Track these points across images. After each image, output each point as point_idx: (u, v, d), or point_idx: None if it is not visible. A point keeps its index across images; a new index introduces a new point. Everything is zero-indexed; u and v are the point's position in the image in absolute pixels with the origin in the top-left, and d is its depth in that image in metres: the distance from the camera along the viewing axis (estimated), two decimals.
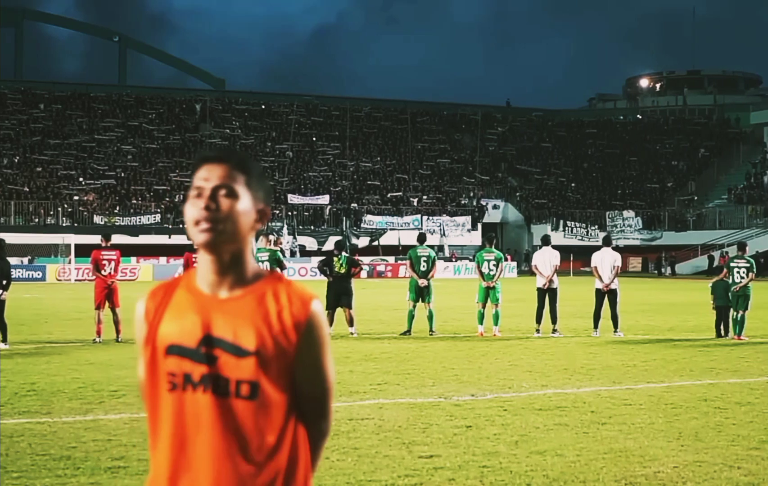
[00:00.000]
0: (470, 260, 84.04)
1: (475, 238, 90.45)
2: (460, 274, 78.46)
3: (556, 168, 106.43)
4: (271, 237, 27.59)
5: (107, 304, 23.81)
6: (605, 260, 26.55)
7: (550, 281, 26.16)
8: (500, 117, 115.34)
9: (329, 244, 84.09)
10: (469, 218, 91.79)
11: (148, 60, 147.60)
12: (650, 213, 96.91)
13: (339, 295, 25.88)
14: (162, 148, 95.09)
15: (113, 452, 10.75)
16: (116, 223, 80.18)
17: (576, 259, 79.49)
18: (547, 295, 26.23)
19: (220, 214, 3.41)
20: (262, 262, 25.55)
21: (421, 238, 28.13)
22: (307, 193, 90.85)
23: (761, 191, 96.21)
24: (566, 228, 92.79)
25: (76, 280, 65.39)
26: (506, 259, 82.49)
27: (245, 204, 3.47)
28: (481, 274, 26.31)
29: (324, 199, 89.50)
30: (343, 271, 26.09)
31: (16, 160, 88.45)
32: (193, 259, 25.11)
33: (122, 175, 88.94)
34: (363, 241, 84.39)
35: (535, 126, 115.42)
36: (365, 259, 78.23)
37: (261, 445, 3.39)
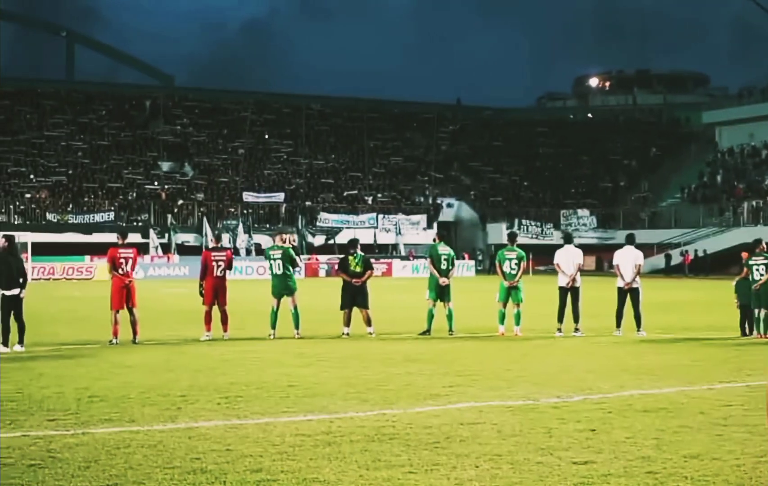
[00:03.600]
0: (425, 258, 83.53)
1: (431, 236, 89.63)
2: (419, 272, 77.89)
3: (508, 167, 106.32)
4: (285, 236, 26.96)
5: (125, 305, 22.92)
6: (627, 258, 26.09)
7: (573, 280, 25.68)
8: (451, 115, 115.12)
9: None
10: (424, 217, 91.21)
11: (87, 54, 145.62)
12: (604, 212, 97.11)
13: (354, 295, 25.18)
14: (113, 144, 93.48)
15: (246, 464, 10.00)
16: (69, 221, 78.71)
17: (532, 258, 79.17)
18: (570, 294, 25.74)
19: None
20: (275, 259, 24.88)
21: (441, 236, 27.57)
22: (261, 191, 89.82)
23: (715, 190, 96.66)
24: (521, 227, 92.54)
25: (33, 280, 63.86)
26: (460, 257, 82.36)
27: None
28: (503, 273, 25.74)
29: (279, 197, 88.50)
30: (358, 269, 25.39)
31: None
32: (212, 259, 24.36)
33: (73, 172, 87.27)
34: (319, 240, 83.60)
35: (486, 125, 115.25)
36: (322, 258, 77.47)
37: None
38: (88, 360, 19.45)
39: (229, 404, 13.82)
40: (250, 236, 79.12)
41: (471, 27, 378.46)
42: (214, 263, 24.29)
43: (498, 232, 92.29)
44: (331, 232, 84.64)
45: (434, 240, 27.36)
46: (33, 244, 65.83)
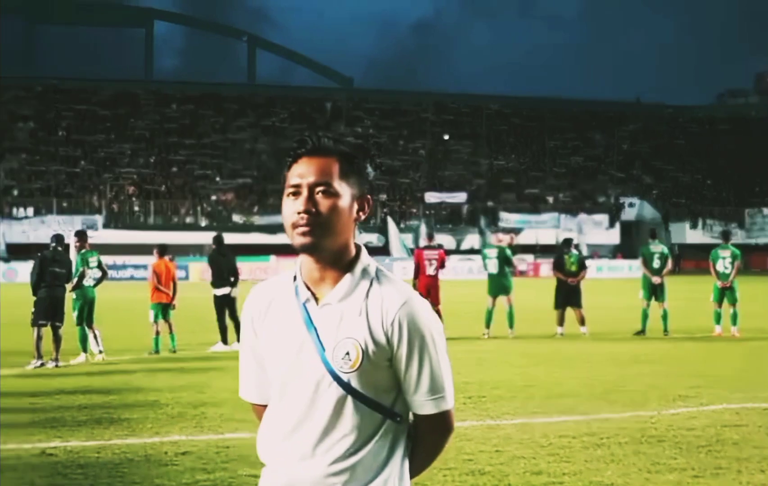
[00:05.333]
0: (609, 259, 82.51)
1: (613, 236, 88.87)
2: (602, 272, 76.80)
3: (690, 165, 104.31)
4: (502, 235, 27.10)
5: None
6: None
7: None
8: (631, 114, 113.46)
9: (467, 243, 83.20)
10: (606, 216, 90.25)
11: (262, 57, 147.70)
12: None
13: (569, 295, 24.96)
14: None
15: (523, 465, 9.88)
16: (254, 222, 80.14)
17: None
18: None
19: None
20: (490, 258, 24.90)
21: (653, 234, 27.14)
22: (442, 191, 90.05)
23: None
24: (705, 226, 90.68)
25: None
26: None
27: None
28: (716, 272, 25.09)
29: (460, 197, 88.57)
30: (574, 269, 25.17)
31: (152, 160, 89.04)
32: (424, 258, 24.40)
33: (258, 174, 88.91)
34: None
35: (667, 123, 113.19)
36: None
37: None
38: None
39: (475, 404, 13.73)
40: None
41: (645, 22, 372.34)
42: (426, 262, 24.30)
43: (681, 232, 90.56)
44: (514, 232, 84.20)
45: (649, 239, 26.85)
46: None
